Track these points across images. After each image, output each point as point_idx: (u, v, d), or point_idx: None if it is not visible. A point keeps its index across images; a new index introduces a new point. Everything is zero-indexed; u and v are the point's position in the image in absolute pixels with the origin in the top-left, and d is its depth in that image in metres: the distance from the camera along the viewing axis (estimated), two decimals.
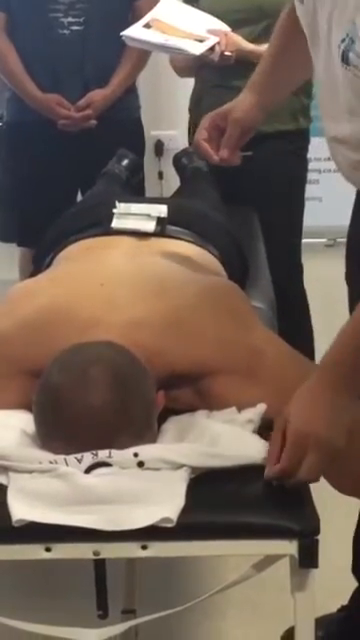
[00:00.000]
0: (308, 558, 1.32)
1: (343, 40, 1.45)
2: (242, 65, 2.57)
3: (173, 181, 3.03)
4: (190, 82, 3.09)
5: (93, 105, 3.08)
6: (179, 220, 1.99)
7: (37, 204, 3.13)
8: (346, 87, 1.49)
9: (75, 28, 3.06)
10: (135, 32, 2.73)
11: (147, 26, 2.70)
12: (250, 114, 1.80)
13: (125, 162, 2.70)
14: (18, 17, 3.10)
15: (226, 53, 2.73)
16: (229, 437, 1.43)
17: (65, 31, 3.06)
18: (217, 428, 1.46)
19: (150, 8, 2.78)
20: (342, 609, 2.07)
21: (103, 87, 3.11)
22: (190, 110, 3.06)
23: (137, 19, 2.84)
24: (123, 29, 2.87)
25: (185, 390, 1.57)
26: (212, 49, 2.70)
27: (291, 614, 1.38)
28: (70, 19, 3.05)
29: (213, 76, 2.86)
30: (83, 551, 1.32)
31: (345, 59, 1.44)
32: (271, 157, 2.84)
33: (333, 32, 1.47)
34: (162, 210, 1.95)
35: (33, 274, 2.05)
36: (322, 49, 1.54)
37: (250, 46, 2.74)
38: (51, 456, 1.37)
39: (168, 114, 4.44)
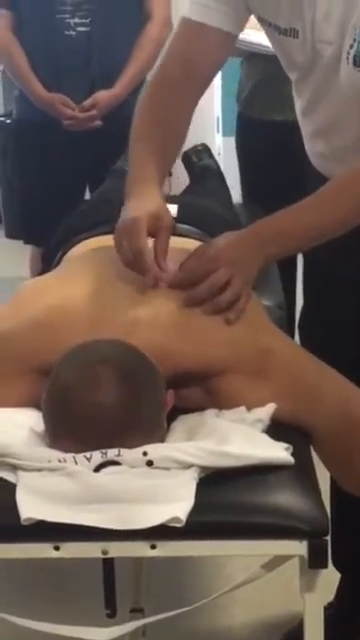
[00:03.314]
0: (318, 558, 1.32)
1: (351, 46, 1.57)
2: None
3: (182, 179, 3.02)
4: None
5: (98, 106, 3.07)
6: (189, 218, 1.98)
7: (45, 202, 3.13)
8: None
9: (81, 29, 3.04)
10: None
11: None
12: (170, 212, 1.70)
13: None
14: (25, 17, 3.09)
15: None
16: (238, 436, 1.42)
17: (72, 32, 3.05)
18: (226, 427, 1.46)
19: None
20: (328, 607, 2.02)
21: (109, 87, 3.11)
22: (240, 102, 3.04)
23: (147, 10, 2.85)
24: (130, 30, 2.88)
25: (194, 389, 1.56)
26: None
27: (297, 614, 1.38)
28: (77, 20, 3.04)
29: (271, 67, 2.83)
30: (92, 550, 1.32)
31: (358, 62, 1.56)
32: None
33: (345, 41, 1.57)
34: (172, 209, 1.95)
35: (42, 272, 2.05)
36: (324, 69, 1.65)
37: None
38: (60, 454, 1.37)
39: None
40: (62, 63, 3.07)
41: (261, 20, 1.72)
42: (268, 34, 1.74)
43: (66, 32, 3.04)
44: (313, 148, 1.86)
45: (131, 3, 3.10)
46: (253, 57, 2.91)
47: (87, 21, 3.04)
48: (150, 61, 3.12)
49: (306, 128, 1.85)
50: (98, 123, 3.08)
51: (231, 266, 1.59)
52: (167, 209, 1.68)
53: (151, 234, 1.63)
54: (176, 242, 1.71)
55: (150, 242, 1.64)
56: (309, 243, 1.71)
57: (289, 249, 1.72)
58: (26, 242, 3.36)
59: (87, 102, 3.07)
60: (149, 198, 1.66)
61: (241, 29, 1.76)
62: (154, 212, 1.63)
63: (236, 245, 1.64)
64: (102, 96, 3.08)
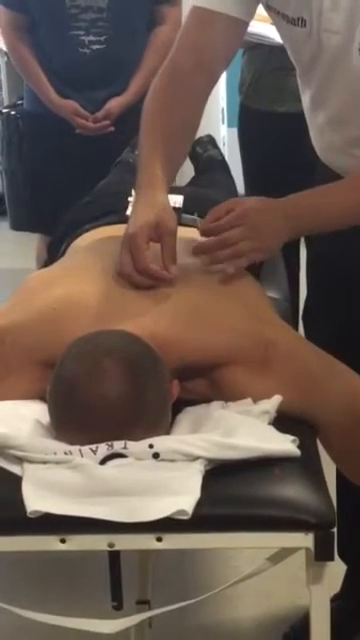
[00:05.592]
0: (324, 551, 1.32)
1: None
2: None
3: (187, 170, 3.02)
4: None
5: (111, 116, 3.08)
6: (194, 208, 1.98)
7: (51, 191, 3.13)
8: None
9: (96, 47, 3.04)
10: None
11: None
12: (174, 216, 1.70)
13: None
14: (40, 25, 3.09)
15: None
16: (245, 428, 1.42)
17: (86, 50, 3.04)
18: (232, 419, 1.45)
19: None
20: (334, 599, 2.01)
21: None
22: (241, 93, 3.04)
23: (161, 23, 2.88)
24: (144, 47, 2.86)
25: (199, 381, 1.56)
26: None
27: (303, 605, 1.38)
28: (91, 37, 3.02)
29: (273, 58, 2.83)
30: (98, 543, 1.32)
31: None
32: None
33: (356, 33, 1.57)
34: (178, 200, 1.94)
35: (48, 263, 2.05)
36: (330, 59, 1.65)
37: None
38: (66, 447, 1.37)
39: None
40: (77, 79, 3.08)
41: (269, 8, 1.71)
42: (276, 23, 1.73)
43: (80, 49, 3.04)
44: (322, 142, 1.84)
45: (144, 20, 3.09)
46: (254, 48, 2.90)
47: (102, 39, 3.03)
48: (162, 64, 3.14)
49: (315, 120, 1.83)
50: (110, 129, 3.10)
51: (249, 229, 1.60)
52: (169, 212, 1.67)
53: (155, 241, 1.64)
54: (182, 232, 1.71)
55: (157, 246, 1.64)
56: (339, 223, 1.70)
57: (318, 226, 1.71)
58: (33, 231, 3.36)
59: (100, 113, 3.08)
60: (149, 206, 1.66)
61: (251, 16, 1.74)
62: (152, 222, 1.63)
63: (264, 210, 1.64)
64: (114, 106, 3.08)
